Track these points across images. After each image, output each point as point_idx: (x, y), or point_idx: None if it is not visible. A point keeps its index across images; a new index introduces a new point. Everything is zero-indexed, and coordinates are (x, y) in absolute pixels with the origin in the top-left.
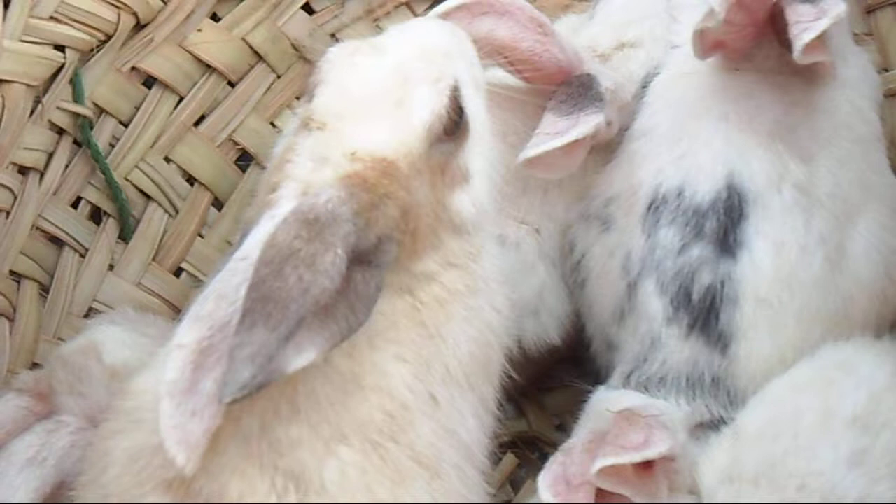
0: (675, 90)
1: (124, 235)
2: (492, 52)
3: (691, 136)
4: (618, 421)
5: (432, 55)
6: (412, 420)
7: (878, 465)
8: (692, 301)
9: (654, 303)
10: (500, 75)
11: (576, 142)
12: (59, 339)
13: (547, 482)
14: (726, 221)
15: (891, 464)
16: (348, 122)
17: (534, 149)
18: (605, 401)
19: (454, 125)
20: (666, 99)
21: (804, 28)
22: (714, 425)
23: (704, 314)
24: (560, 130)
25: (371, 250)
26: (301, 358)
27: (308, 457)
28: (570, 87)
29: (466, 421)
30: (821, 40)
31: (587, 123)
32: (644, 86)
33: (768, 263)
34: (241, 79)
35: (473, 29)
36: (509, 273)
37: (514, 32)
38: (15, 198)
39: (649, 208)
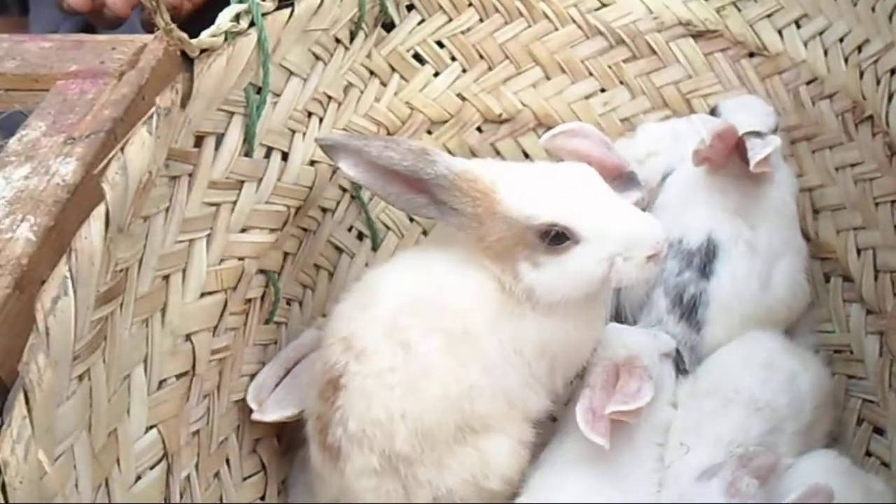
0: (681, 183)
1: (374, 247)
2: (578, 157)
3: (689, 209)
4: (623, 372)
5: None
6: None
7: (778, 385)
8: (683, 302)
9: (661, 301)
10: None
11: None
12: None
13: (580, 414)
14: (705, 259)
15: (785, 383)
16: None
17: None
18: (616, 331)
19: None
20: (676, 187)
21: (756, 152)
22: (685, 371)
23: (689, 310)
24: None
25: None
26: None
27: None
28: (623, 177)
29: None
30: (765, 160)
31: (634, 196)
32: (663, 178)
33: (727, 284)
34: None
35: (570, 144)
36: None
37: (591, 146)
38: (318, 224)
39: None
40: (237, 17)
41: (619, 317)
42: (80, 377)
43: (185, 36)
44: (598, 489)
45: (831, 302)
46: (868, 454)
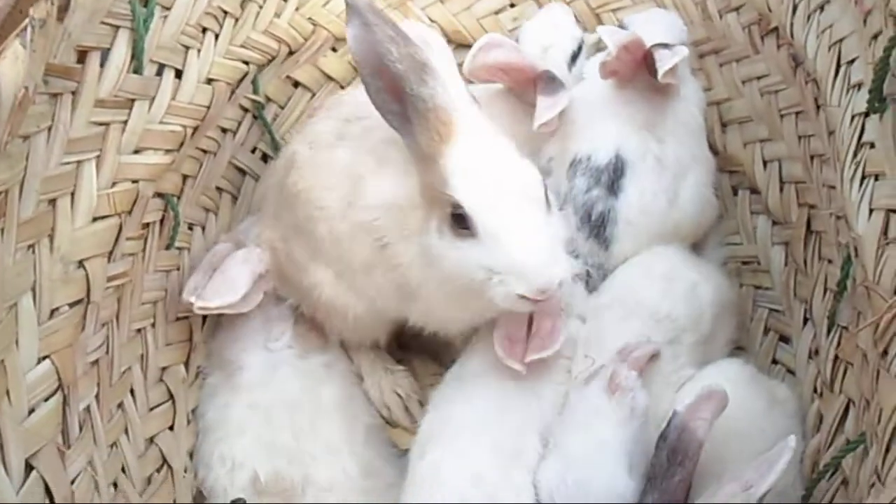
0: (589, 98)
1: None
2: (498, 70)
3: (596, 124)
4: (538, 319)
5: None
6: None
7: (678, 296)
8: (591, 220)
9: (570, 218)
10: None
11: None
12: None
13: (498, 342)
14: (613, 176)
15: (684, 294)
16: None
17: (546, 114)
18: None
19: None
20: (583, 103)
21: (664, 63)
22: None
23: (597, 228)
24: (556, 103)
25: None
26: None
27: None
28: (545, 80)
29: None
30: (672, 71)
31: (566, 96)
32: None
33: (635, 201)
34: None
35: (489, 58)
36: None
37: (507, 55)
38: (219, 145)
39: (571, 165)
40: None
41: None
42: None
43: None
44: (506, 402)
45: (739, 215)
46: (774, 362)
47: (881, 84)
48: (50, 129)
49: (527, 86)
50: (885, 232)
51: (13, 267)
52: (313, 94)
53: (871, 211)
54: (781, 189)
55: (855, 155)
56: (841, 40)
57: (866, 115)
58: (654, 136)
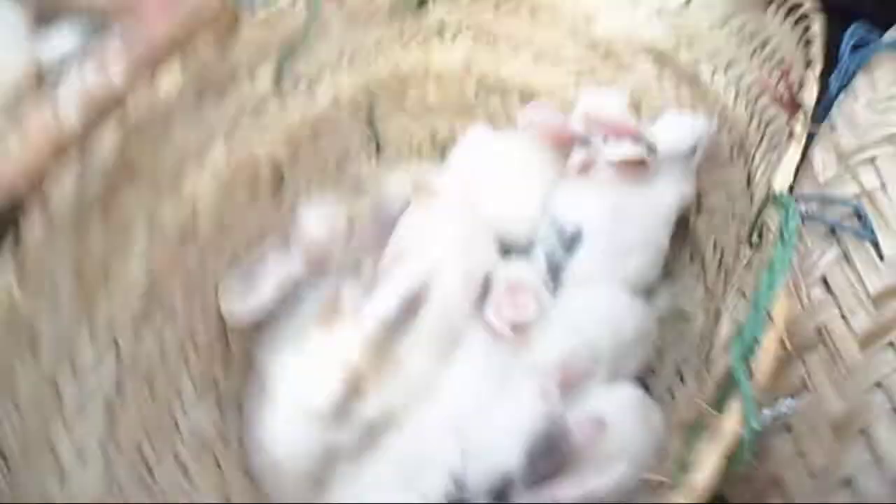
0: None
1: None
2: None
3: (580, 193)
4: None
5: None
6: None
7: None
8: (549, 265)
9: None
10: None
11: None
12: None
13: (491, 318)
14: (570, 240)
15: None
16: None
17: (576, 159)
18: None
19: None
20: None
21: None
22: None
23: (553, 271)
24: (585, 155)
25: None
26: None
27: None
28: (581, 140)
29: None
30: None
31: (594, 153)
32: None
33: (582, 263)
34: None
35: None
36: None
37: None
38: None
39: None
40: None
41: None
42: None
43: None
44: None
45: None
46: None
47: None
48: (192, 118)
49: (566, 143)
50: None
51: None
52: None
53: None
54: None
55: None
56: None
57: None
58: (614, 217)
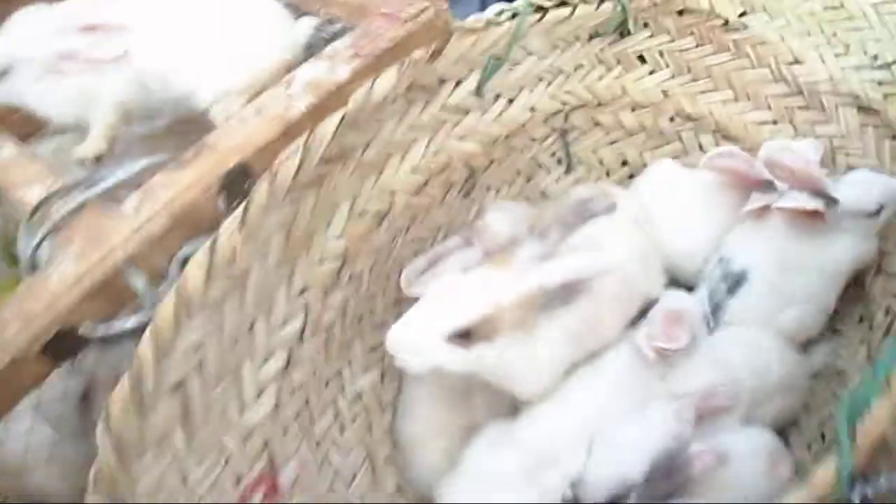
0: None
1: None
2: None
3: (747, 235)
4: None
5: None
6: None
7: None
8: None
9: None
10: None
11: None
12: None
13: (640, 336)
14: (734, 281)
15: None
16: None
17: (755, 203)
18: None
19: None
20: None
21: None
22: None
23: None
24: (764, 199)
25: None
26: None
27: None
28: (764, 185)
29: None
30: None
31: (774, 198)
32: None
33: (741, 304)
34: None
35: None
36: None
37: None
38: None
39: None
40: (500, 13)
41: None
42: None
43: (449, 17)
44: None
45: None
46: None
47: None
48: (401, 117)
49: (749, 186)
50: None
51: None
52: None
53: None
54: None
55: None
56: None
57: None
58: (781, 265)
